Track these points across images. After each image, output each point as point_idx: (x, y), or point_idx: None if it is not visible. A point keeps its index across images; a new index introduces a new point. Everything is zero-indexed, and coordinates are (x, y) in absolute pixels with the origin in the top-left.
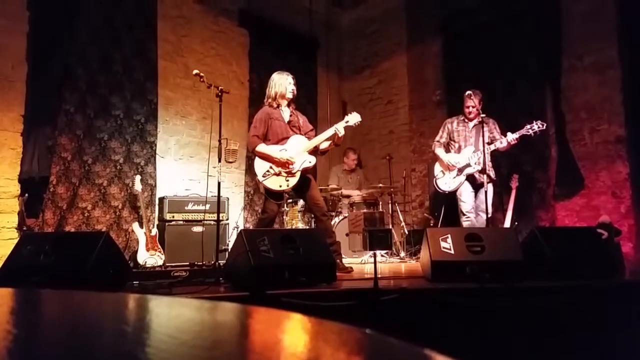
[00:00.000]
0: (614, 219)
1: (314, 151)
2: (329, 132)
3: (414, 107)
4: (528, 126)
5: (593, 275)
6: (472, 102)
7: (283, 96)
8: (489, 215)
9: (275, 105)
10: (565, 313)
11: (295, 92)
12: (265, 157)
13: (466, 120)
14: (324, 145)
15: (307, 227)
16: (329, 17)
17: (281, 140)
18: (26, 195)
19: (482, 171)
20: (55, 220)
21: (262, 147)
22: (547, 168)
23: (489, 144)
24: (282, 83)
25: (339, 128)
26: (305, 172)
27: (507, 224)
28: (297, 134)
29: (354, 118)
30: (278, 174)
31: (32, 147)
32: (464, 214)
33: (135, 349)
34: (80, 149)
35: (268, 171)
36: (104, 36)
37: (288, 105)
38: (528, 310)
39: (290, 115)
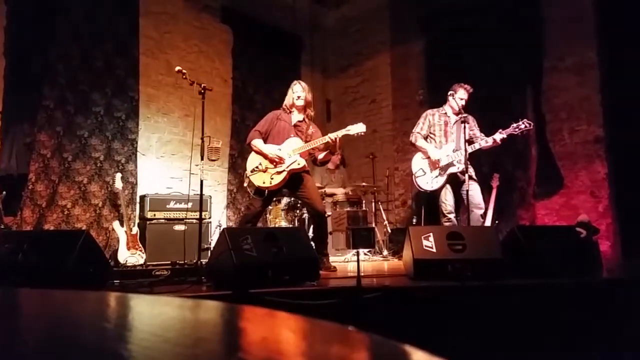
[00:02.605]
0: (592, 218)
1: (314, 161)
2: (325, 139)
3: (398, 106)
4: (515, 125)
5: (572, 273)
6: (467, 97)
7: (292, 105)
8: (481, 212)
9: (288, 112)
10: (544, 310)
11: (304, 98)
12: (258, 152)
13: (448, 115)
14: (321, 155)
15: (291, 226)
16: (313, 15)
17: (282, 140)
18: (4, 192)
19: (463, 172)
20: (34, 219)
21: (257, 142)
22: (527, 167)
23: (470, 143)
24: (289, 93)
25: (335, 136)
26: (295, 172)
27: (488, 222)
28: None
29: (356, 128)
30: (264, 171)
31: (10, 144)
32: (445, 215)
33: (117, 347)
34: (60, 146)
35: (257, 167)
36: (85, 31)
37: (301, 112)
38: (508, 307)
39: (300, 121)
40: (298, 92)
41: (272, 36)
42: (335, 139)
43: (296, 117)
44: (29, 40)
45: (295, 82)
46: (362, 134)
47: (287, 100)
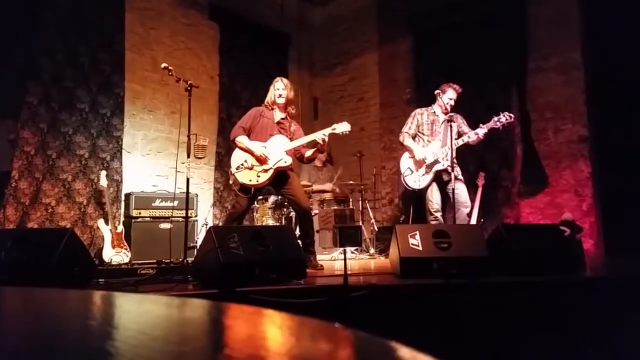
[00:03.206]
0: (576, 217)
1: (300, 159)
2: (311, 137)
3: (385, 104)
4: (496, 118)
5: (556, 271)
6: (455, 96)
7: (274, 102)
8: (467, 210)
9: (270, 108)
10: (528, 307)
11: (286, 96)
12: (244, 149)
13: (437, 114)
14: (309, 152)
15: (277, 224)
16: (301, 13)
17: (265, 137)
18: None
19: (448, 171)
20: (17, 217)
21: (242, 139)
22: (512, 166)
23: (457, 138)
24: (271, 90)
25: (322, 135)
26: (281, 170)
27: (473, 220)
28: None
29: (342, 127)
30: (250, 168)
31: None
32: (432, 214)
33: (105, 344)
34: (44, 143)
35: (242, 164)
36: (70, 27)
37: (283, 110)
38: (493, 305)
39: (282, 119)
40: (280, 89)
41: (259, 33)
42: (324, 138)
43: (279, 114)
44: (13, 35)
45: (277, 78)
46: (348, 132)
47: (269, 97)
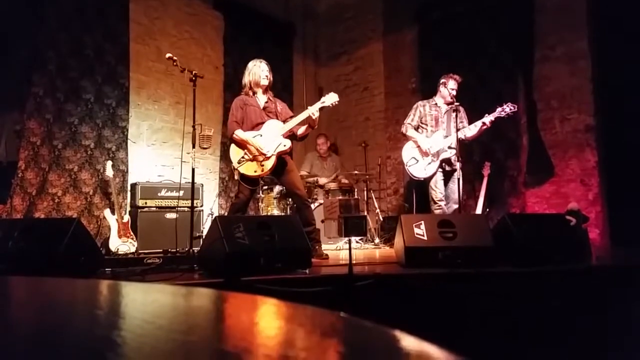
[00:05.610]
0: (582, 206)
1: (293, 137)
2: (304, 115)
3: (390, 94)
4: (500, 109)
5: (561, 261)
6: (456, 86)
7: (257, 84)
8: (460, 205)
9: (250, 94)
10: (534, 297)
11: (270, 78)
12: (241, 143)
13: (439, 105)
14: (301, 130)
15: (283, 214)
16: (305, 2)
17: (256, 125)
18: None
19: (455, 160)
20: (24, 207)
21: (239, 133)
22: (518, 156)
23: (458, 130)
24: (255, 71)
25: (313, 110)
26: (282, 155)
27: (478, 210)
28: (272, 119)
29: (330, 98)
30: (252, 160)
31: None
32: (435, 202)
33: (111, 334)
34: (50, 134)
35: (243, 157)
36: (75, 18)
37: (265, 92)
38: (498, 294)
39: (267, 102)
40: (266, 70)
41: (264, 23)
42: (314, 112)
43: (262, 98)
44: (18, 27)
45: (258, 60)
46: (337, 103)
47: (251, 78)
